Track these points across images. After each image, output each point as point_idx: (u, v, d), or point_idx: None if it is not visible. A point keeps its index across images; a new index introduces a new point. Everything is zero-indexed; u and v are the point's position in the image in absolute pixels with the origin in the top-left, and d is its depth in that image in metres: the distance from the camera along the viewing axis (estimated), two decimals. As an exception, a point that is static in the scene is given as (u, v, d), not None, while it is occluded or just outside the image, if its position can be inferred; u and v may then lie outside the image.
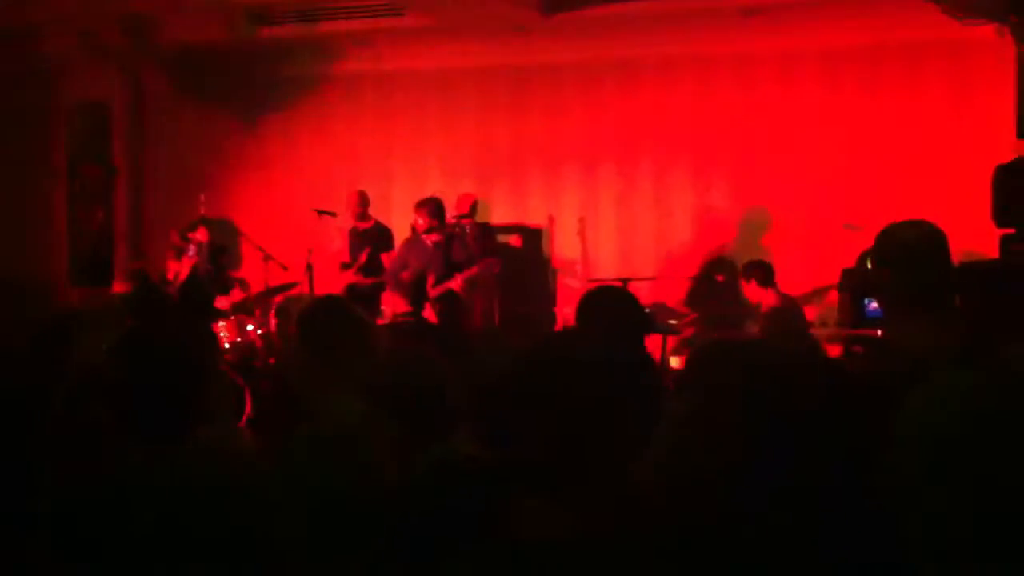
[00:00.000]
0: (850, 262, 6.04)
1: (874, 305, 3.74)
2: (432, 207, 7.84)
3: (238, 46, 9.47)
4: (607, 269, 8.70)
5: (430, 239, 7.86)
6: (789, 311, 6.92)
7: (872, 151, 8.22)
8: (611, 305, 3.42)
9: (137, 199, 10.39)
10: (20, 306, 9.05)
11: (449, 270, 7.80)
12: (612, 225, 9.07)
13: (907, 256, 2.35)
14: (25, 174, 10.46)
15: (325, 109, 9.85)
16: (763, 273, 7.06)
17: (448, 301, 7.75)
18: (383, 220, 8.71)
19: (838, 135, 8.36)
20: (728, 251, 8.57)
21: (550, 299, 9.21)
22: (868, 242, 2.48)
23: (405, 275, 7.60)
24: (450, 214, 8.22)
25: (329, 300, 3.68)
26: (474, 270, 7.82)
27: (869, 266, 2.40)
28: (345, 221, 8.66)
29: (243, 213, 9.78)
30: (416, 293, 7.58)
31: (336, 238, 8.86)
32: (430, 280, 7.77)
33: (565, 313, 8.86)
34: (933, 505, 1.95)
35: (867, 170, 8.18)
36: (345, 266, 8.37)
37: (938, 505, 1.95)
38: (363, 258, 8.22)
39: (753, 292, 7.14)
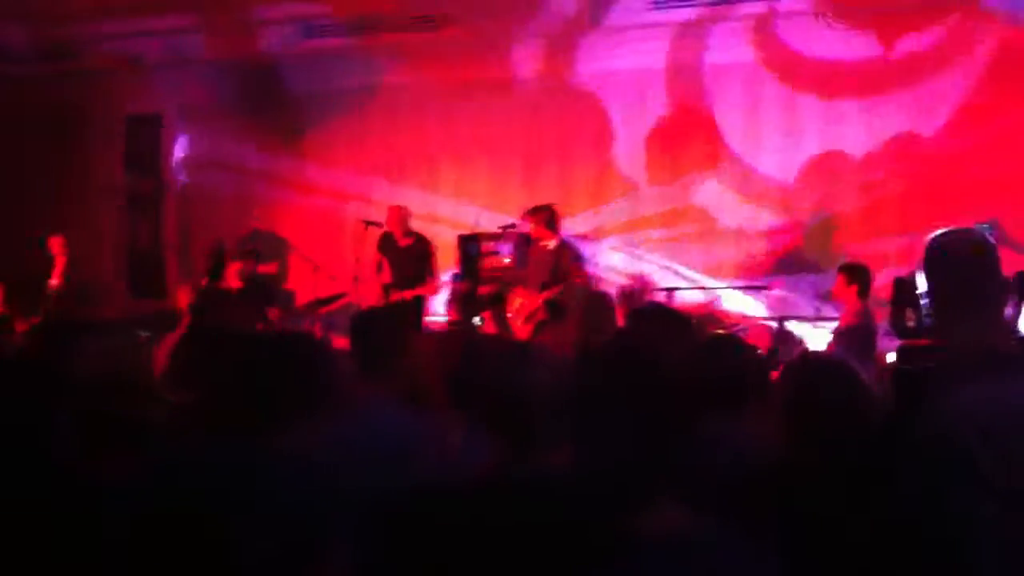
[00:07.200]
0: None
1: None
2: (549, 215, 7.76)
3: (283, 60, 9.56)
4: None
5: (548, 246, 7.75)
6: (866, 327, 6.73)
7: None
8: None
9: (186, 213, 10.51)
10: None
11: (555, 278, 7.65)
12: (658, 235, 9.00)
13: (950, 262, 2.33)
14: (75, 188, 10.63)
15: (367, 122, 9.90)
16: (866, 283, 6.84)
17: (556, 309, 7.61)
18: (427, 233, 8.69)
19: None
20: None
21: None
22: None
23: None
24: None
25: (376, 311, 3.69)
26: (577, 282, 7.57)
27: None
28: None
29: (290, 225, 9.85)
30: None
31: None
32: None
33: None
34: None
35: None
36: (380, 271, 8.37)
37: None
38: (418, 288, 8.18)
39: (848, 296, 6.89)
